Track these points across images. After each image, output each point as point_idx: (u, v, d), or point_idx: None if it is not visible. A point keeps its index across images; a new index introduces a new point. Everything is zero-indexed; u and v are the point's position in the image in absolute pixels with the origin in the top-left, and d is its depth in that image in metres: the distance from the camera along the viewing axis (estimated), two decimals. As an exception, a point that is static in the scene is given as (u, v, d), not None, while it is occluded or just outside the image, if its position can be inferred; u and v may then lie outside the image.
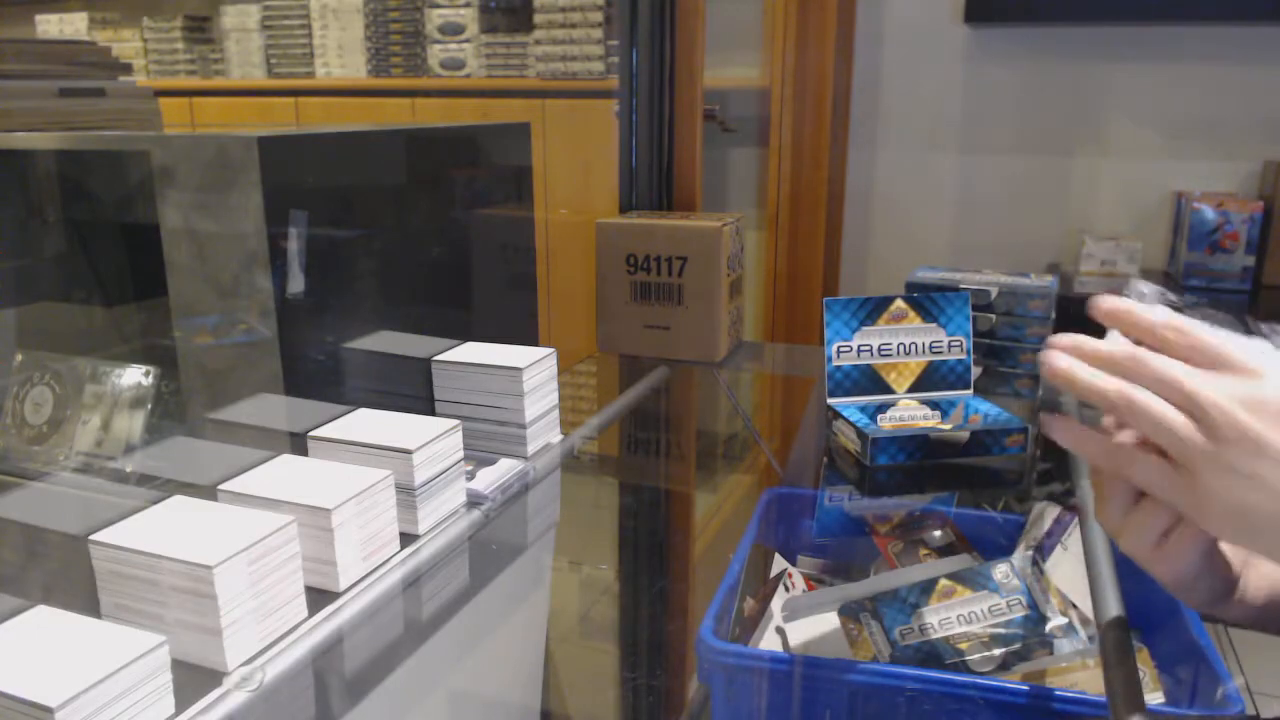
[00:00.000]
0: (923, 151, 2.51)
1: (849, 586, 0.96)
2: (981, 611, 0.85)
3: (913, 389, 1.10)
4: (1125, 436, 0.51)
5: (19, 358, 1.03)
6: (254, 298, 0.86)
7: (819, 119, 2.39)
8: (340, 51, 3.04)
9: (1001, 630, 0.84)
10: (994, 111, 2.44)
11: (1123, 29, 2.29)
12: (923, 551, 0.97)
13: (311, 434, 0.87)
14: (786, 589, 0.99)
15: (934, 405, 1.09)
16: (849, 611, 0.87)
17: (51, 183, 1.11)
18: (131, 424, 0.96)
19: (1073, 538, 0.95)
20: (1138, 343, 0.51)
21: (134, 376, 0.97)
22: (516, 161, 1.30)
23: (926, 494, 1.02)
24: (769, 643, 0.92)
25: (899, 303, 1.12)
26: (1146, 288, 0.46)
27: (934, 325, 1.11)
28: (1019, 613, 0.85)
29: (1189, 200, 2.21)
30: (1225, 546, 0.54)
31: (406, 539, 0.84)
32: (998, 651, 0.84)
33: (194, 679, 0.64)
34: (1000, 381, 1.23)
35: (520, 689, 0.93)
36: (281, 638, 0.70)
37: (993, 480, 1.05)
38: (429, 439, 0.85)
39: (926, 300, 1.12)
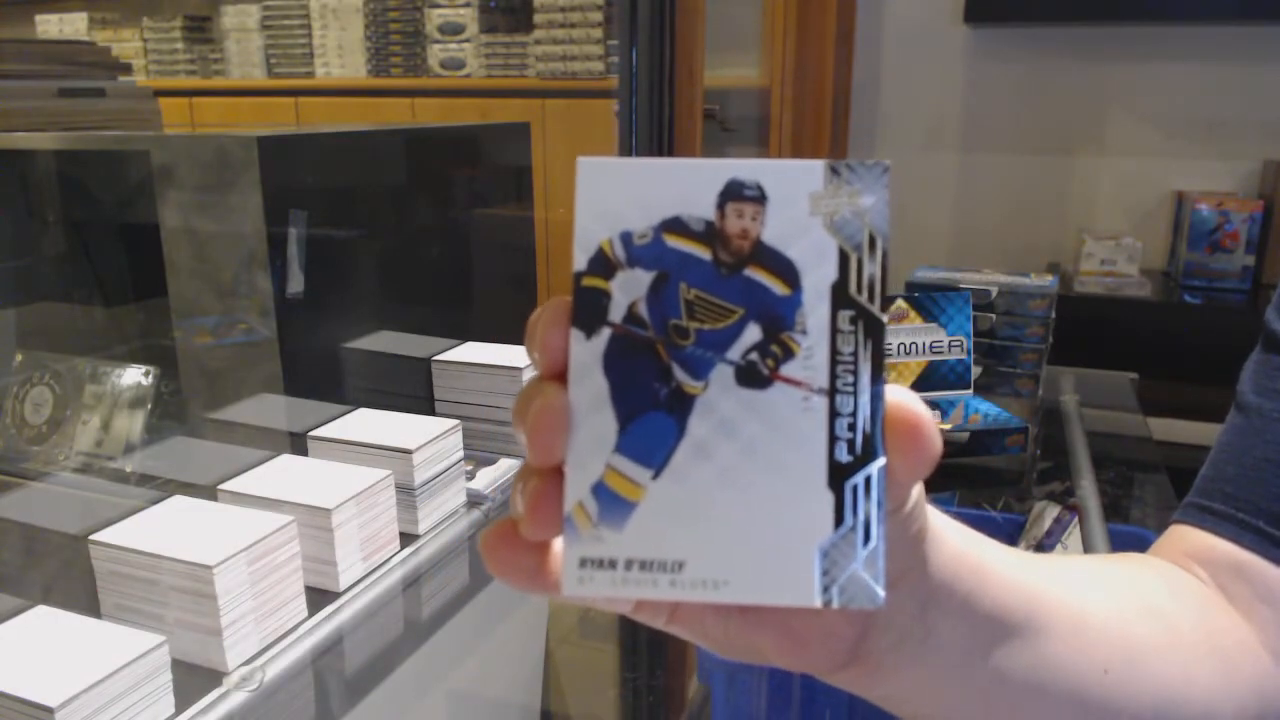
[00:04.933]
0: (923, 151, 2.51)
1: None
2: (981, 611, 0.84)
3: (913, 388, 1.10)
4: None
5: (19, 358, 1.03)
6: (254, 298, 0.86)
7: (819, 119, 2.39)
8: (340, 51, 3.04)
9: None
10: (994, 111, 2.44)
11: (1123, 29, 2.29)
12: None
13: (311, 434, 0.87)
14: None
15: (934, 405, 1.09)
16: (849, 611, 0.87)
17: (51, 183, 1.11)
18: (131, 424, 0.96)
19: (1073, 538, 0.95)
20: None
21: (134, 376, 0.97)
22: (516, 161, 1.30)
23: (926, 493, 1.02)
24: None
25: (899, 302, 1.12)
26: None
27: (934, 325, 1.11)
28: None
29: (1189, 200, 2.21)
30: None
31: (406, 539, 0.84)
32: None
33: (194, 679, 0.64)
34: (1000, 381, 1.23)
35: (520, 689, 0.93)
36: (281, 638, 0.70)
37: (993, 480, 1.05)
38: (429, 439, 0.85)
39: (927, 300, 1.12)
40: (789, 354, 0.23)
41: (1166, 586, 0.43)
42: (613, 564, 0.23)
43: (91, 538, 0.67)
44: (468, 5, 2.84)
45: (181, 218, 0.87)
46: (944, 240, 2.53)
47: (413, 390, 1.03)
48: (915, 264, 1.36)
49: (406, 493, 0.84)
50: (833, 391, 0.23)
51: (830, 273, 0.23)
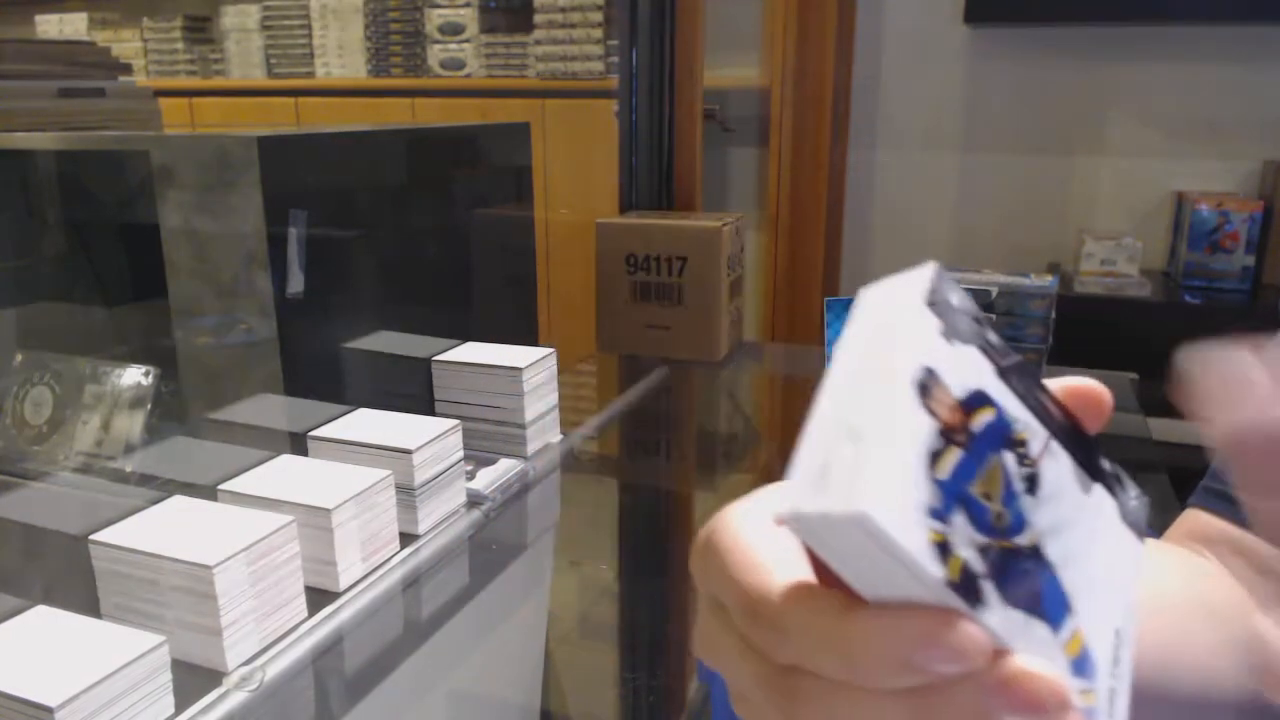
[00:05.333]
0: (923, 151, 2.51)
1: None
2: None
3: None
4: None
5: (19, 358, 1.03)
6: (254, 298, 0.86)
7: (819, 119, 2.39)
8: (340, 51, 3.04)
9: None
10: (994, 111, 2.44)
11: (1123, 29, 2.29)
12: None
13: (311, 434, 0.87)
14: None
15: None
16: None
17: (51, 183, 1.11)
18: (131, 424, 0.96)
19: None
20: None
21: (134, 376, 0.97)
22: (516, 161, 1.30)
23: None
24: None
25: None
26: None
27: (934, 325, 1.11)
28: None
29: (1189, 200, 2.21)
30: None
31: (406, 539, 0.84)
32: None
33: (194, 679, 0.64)
34: (1000, 381, 1.23)
35: (520, 689, 0.93)
36: (281, 638, 0.70)
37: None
38: (429, 439, 0.85)
39: (926, 300, 1.11)
40: (1025, 444, 0.25)
41: (1162, 558, 0.44)
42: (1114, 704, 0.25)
43: (91, 538, 0.67)
44: (468, 5, 2.84)
45: (181, 218, 0.87)
46: (944, 240, 2.53)
47: (413, 390, 1.03)
48: (915, 264, 1.36)
49: (406, 493, 0.84)
50: (1052, 435, 0.26)
51: (987, 368, 0.25)
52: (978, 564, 0.22)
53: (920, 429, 0.22)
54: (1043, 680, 0.21)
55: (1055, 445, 0.26)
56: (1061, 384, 0.27)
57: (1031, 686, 0.21)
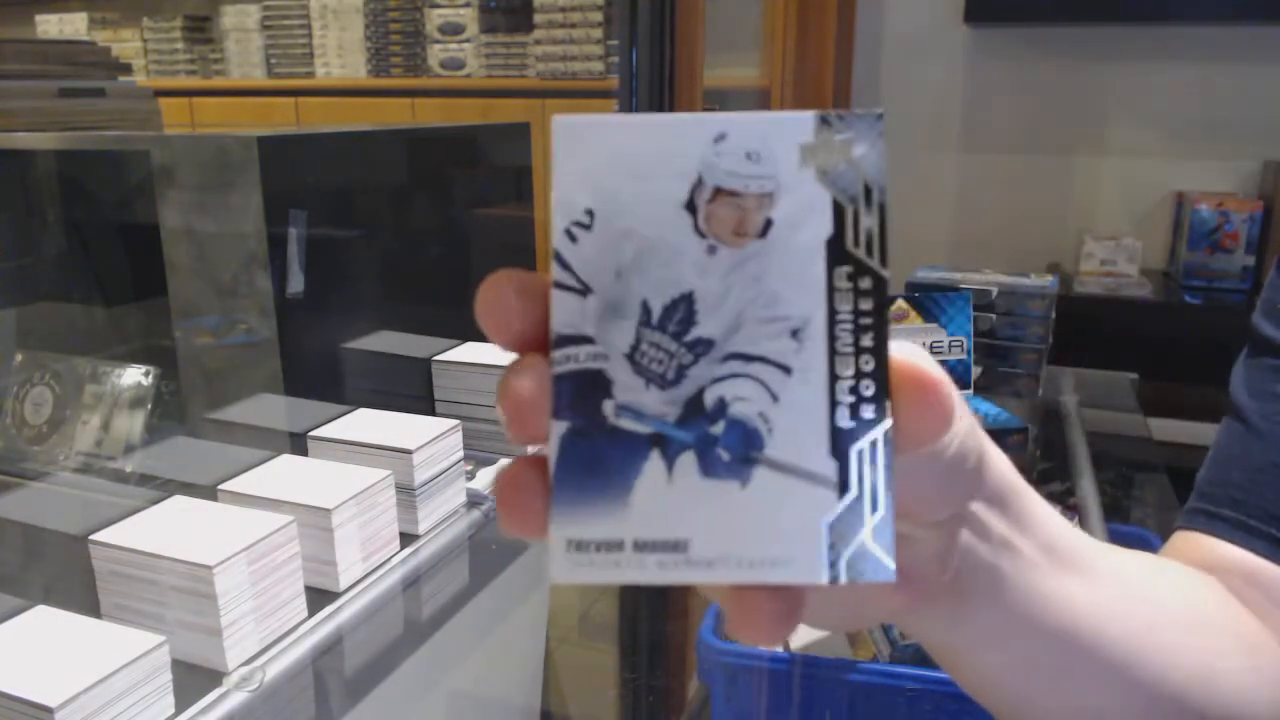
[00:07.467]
0: (923, 151, 2.51)
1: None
2: (982, 611, 0.84)
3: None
4: None
5: (19, 358, 1.03)
6: (254, 298, 0.86)
7: (819, 119, 2.39)
8: (340, 51, 3.04)
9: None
10: (994, 111, 2.44)
11: (1123, 29, 2.29)
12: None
13: (311, 434, 0.87)
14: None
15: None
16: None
17: (51, 183, 1.11)
18: (131, 424, 0.96)
19: (1073, 538, 0.95)
20: None
21: (134, 376, 0.97)
22: (516, 161, 1.30)
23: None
24: (769, 643, 0.92)
25: (899, 302, 1.11)
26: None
27: (934, 325, 1.11)
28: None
29: (1189, 200, 2.21)
30: None
31: (406, 539, 0.84)
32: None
33: (194, 679, 0.64)
34: (1001, 382, 1.23)
35: (520, 689, 0.93)
36: (281, 638, 0.70)
37: (993, 480, 1.05)
38: (429, 439, 0.85)
39: (927, 300, 1.11)
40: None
41: (1189, 576, 0.42)
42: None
43: (91, 538, 0.67)
44: (468, 5, 2.84)
45: (181, 218, 0.87)
46: (944, 240, 2.53)
47: (413, 390, 1.03)
48: (915, 264, 1.36)
49: (406, 493, 0.84)
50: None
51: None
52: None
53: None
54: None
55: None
56: (897, 356, 0.25)
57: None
